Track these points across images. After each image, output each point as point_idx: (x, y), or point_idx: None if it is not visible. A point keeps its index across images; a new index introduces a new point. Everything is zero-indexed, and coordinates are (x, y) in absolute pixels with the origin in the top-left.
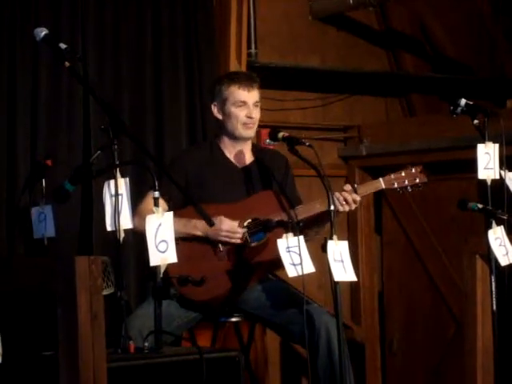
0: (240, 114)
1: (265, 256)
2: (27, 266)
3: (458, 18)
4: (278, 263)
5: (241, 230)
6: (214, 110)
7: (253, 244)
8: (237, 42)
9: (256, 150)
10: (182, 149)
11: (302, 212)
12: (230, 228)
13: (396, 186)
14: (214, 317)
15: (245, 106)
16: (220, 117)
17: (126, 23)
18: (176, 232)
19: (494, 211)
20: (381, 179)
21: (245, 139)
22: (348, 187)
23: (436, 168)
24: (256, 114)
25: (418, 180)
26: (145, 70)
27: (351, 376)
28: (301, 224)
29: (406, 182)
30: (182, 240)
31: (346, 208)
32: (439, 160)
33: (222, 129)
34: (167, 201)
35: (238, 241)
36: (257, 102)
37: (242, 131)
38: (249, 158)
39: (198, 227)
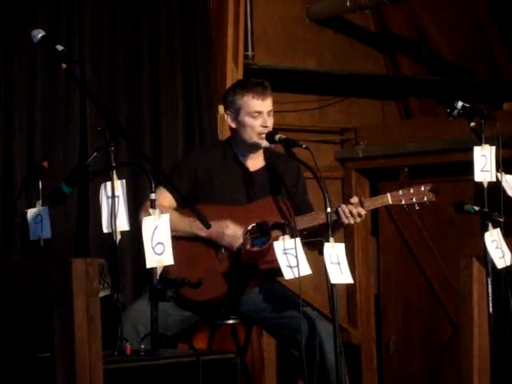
0: (255, 123)
1: (265, 263)
2: (23, 267)
3: (454, 21)
4: (278, 271)
5: (242, 238)
6: (228, 119)
7: (254, 248)
8: (234, 44)
9: (268, 154)
10: (194, 148)
11: (305, 221)
12: (234, 234)
13: (403, 202)
14: (211, 319)
15: (260, 115)
16: (234, 126)
17: (122, 25)
18: (179, 230)
19: (490, 214)
20: (388, 194)
21: (260, 148)
22: (355, 199)
23: (432, 170)
24: (270, 122)
25: (426, 199)
26: (142, 72)
27: (346, 379)
28: (304, 233)
29: (414, 200)
30: (183, 239)
31: (351, 221)
32: (435, 162)
33: (236, 136)
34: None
35: (238, 246)
36: (270, 110)
37: (257, 140)
38: (261, 162)
39: (203, 228)
